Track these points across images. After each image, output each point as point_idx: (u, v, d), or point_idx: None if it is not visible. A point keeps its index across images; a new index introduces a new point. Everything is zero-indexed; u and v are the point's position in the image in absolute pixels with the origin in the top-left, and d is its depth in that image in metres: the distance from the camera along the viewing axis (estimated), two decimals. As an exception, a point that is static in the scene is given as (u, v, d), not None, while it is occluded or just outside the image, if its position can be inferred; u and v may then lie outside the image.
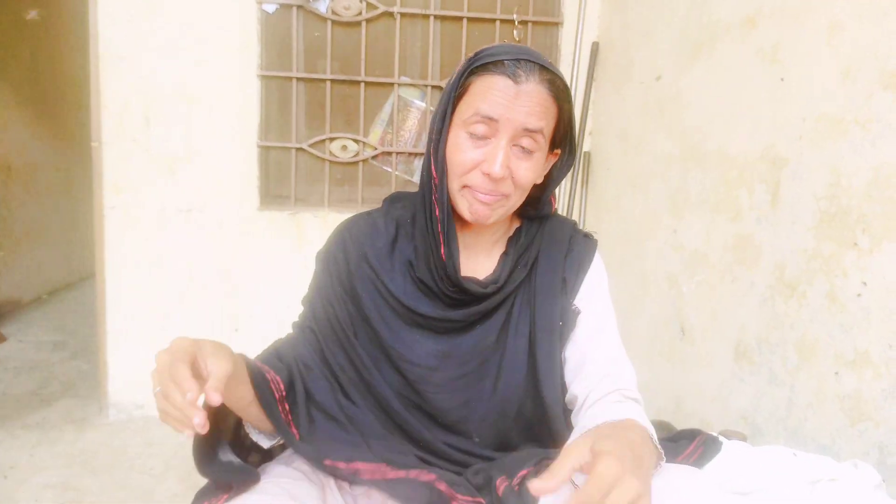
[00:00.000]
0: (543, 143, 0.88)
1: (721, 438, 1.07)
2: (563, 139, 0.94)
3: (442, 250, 0.90)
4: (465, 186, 0.88)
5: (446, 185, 0.90)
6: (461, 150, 0.87)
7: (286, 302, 2.57)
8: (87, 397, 2.72)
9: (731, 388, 1.69)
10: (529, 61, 0.85)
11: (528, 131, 0.85)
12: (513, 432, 0.97)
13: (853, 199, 1.31)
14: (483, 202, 0.88)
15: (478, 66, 0.86)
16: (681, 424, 1.82)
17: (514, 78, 0.84)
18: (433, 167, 0.90)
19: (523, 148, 0.86)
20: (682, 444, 1.02)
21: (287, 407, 0.88)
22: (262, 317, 2.57)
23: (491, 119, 0.84)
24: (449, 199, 0.91)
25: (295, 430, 0.88)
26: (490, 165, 0.84)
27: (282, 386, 0.88)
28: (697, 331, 1.86)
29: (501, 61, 0.85)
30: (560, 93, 0.87)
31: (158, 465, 2.20)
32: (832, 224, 1.37)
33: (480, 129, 0.85)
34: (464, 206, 0.90)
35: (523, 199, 0.93)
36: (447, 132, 0.89)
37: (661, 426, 1.42)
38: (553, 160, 0.96)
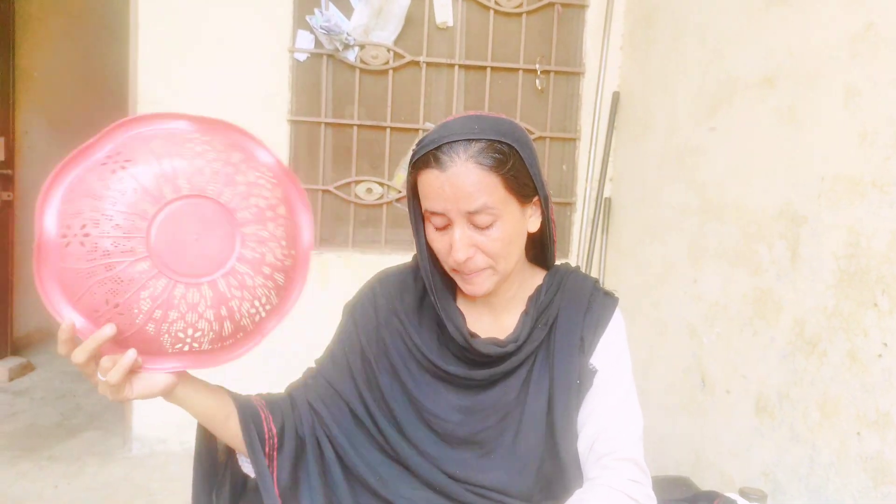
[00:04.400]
0: (499, 209, 0.86)
1: (740, 500, 1.07)
2: (532, 187, 0.92)
3: (448, 330, 0.95)
4: (452, 269, 0.93)
5: (430, 266, 0.96)
6: (433, 241, 0.92)
7: (309, 341, 2.60)
8: (111, 430, 2.77)
9: (752, 443, 1.68)
10: (451, 142, 0.84)
11: (472, 213, 0.85)
12: (533, 489, 0.98)
13: (872, 260, 1.33)
14: (469, 280, 0.92)
15: (415, 161, 0.89)
16: (700, 478, 1.81)
17: (439, 167, 0.84)
18: (418, 251, 0.96)
19: (481, 224, 0.87)
20: (700, 506, 1.03)
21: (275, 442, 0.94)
22: (283, 355, 2.61)
23: (437, 213, 0.87)
24: (441, 277, 0.98)
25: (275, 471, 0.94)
26: (454, 253, 0.88)
27: (273, 424, 0.94)
28: (718, 383, 1.86)
29: (427, 153, 0.86)
30: (494, 160, 0.85)
31: (178, 503, 2.22)
32: (852, 283, 1.38)
33: (437, 221, 0.89)
34: (459, 284, 0.95)
35: (512, 259, 0.93)
36: (422, 221, 0.94)
37: (679, 482, 1.42)
38: (538, 206, 0.95)
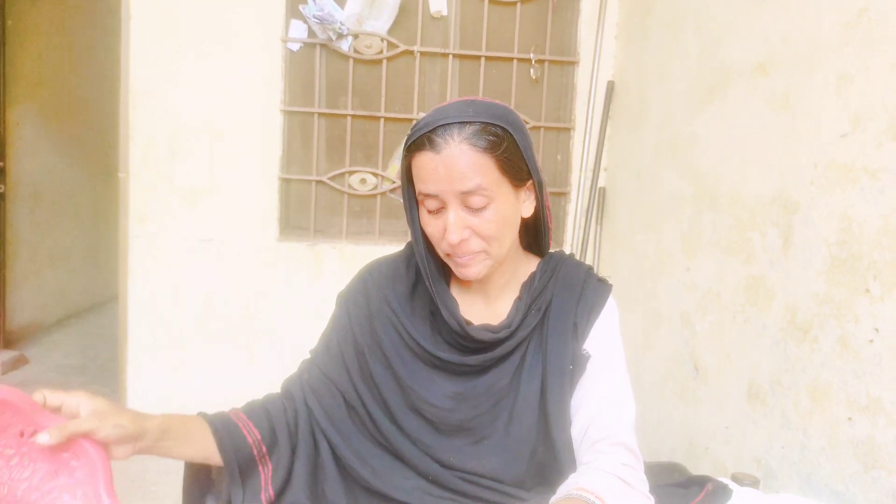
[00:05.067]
0: (493, 191, 0.87)
1: (732, 485, 1.08)
2: (526, 171, 0.92)
3: (443, 314, 0.95)
4: (446, 254, 0.93)
5: (424, 252, 0.96)
6: (427, 225, 0.92)
7: (303, 330, 2.61)
8: (105, 422, 2.77)
9: (744, 430, 1.69)
10: (445, 125, 0.85)
11: (466, 193, 0.86)
12: (526, 473, 0.99)
13: (864, 246, 1.33)
14: (463, 264, 0.92)
15: (409, 144, 0.89)
16: (693, 464, 1.82)
17: (433, 149, 0.85)
18: (412, 236, 0.96)
19: (475, 206, 0.87)
20: (693, 490, 1.04)
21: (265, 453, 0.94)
22: (278, 345, 2.61)
23: (431, 195, 0.88)
24: (435, 264, 0.97)
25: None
26: (448, 236, 0.88)
27: (262, 445, 0.94)
28: (711, 370, 1.87)
29: (422, 136, 0.87)
30: (490, 141, 0.86)
31: (173, 494, 2.22)
32: (843, 269, 1.38)
33: (431, 204, 0.89)
34: (453, 269, 0.95)
35: (506, 243, 0.93)
36: (416, 206, 0.94)
37: (673, 468, 1.43)
38: (531, 191, 0.96)
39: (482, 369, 0.98)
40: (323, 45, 2.56)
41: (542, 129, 2.74)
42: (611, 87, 2.64)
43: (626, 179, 2.51)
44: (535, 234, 1.03)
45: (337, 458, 0.99)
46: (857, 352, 1.35)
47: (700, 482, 1.06)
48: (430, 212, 0.90)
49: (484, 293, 1.01)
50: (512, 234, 0.94)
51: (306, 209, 2.67)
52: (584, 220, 2.69)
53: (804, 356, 1.49)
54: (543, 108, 2.73)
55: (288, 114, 2.58)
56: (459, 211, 0.87)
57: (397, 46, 2.59)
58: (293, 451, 0.97)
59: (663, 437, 2.09)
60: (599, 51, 2.63)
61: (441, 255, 0.95)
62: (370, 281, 1.04)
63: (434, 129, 0.86)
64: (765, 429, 1.61)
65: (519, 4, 2.65)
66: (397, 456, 0.99)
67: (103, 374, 3.39)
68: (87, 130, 4.65)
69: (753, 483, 1.31)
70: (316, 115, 2.61)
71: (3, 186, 3.51)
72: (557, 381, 0.95)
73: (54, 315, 4.34)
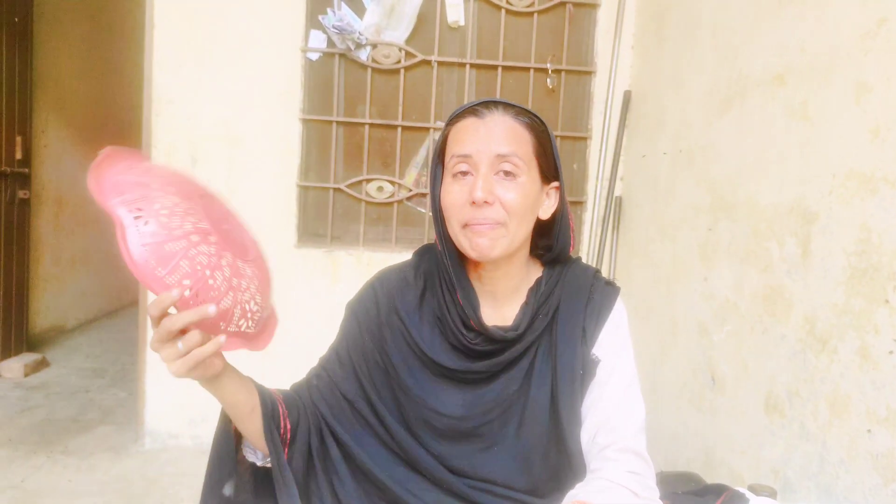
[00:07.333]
0: (524, 166, 0.90)
1: (748, 494, 1.07)
2: (554, 168, 0.96)
3: (458, 295, 0.95)
4: (463, 226, 0.91)
5: (445, 232, 0.95)
6: (450, 193, 0.92)
7: (319, 337, 2.62)
8: (123, 425, 2.80)
9: (762, 441, 1.67)
10: (491, 101, 0.93)
11: (502, 157, 0.89)
12: (539, 478, 0.99)
13: (884, 257, 1.32)
14: (480, 233, 0.90)
15: (453, 117, 0.95)
16: (710, 475, 1.80)
17: (477, 115, 0.91)
18: (433, 216, 0.97)
19: (506, 173, 0.90)
20: (709, 498, 1.03)
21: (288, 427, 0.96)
22: (294, 349, 2.63)
23: (465, 156, 0.90)
24: (456, 249, 0.95)
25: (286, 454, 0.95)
26: (473, 192, 0.88)
27: (287, 421, 0.96)
28: (728, 380, 1.85)
29: (466, 108, 0.93)
30: (531, 121, 0.93)
31: (190, 497, 2.24)
32: (863, 280, 1.37)
33: (461, 167, 0.91)
34: (466, 245, 0.92)
35: (523, 228, 0.93)
36: (440, 186, 0.95)
37: (689, 478, 1.42)
38: (555, 194, 0.98)
39: (491, 376, 0.98)
40: (341, 55, 2.60)
41: (558, 139, 2.74)
42: (627, 97, 2.64)
43: (643, 188, 2.51)
44: (545, 242, 1.03)
45: (350, 463, 0.99)
46: (876, 363, 1.33)
47: (716, 491, 1.06)
48: (455, 175, 0.91)
49: (493, 297, 1.01)
50: (529, 222, 0.94)
51: (324, 216, 2.69)
52: (600, 229, 2.69)
53: (823, 367, 1.48)
54: (560, 117, 2.74)
55: (306, 122, 2.62)
56: (490, 176, 0.90)
57: (415, 56, 2.62)
58: (308, 452, 0.99)
59: (680, 448, 2.08)
60: (616, 60, 2.64)
61: (457, 228, 0.92)
62: (380, 290, 1.04)
63: (482, 102, 0.92)
64: (783, 440, 1.59)
65: (536, 14, 2.66)
66: (412, 466, 0.99)
67: (123, 377, 3.43)
68: (112, 138, 4.74)
69: (771, 494, 1.30)
70: (334, 124, 2.64)
71: (27, 192, 3.58)
72: (568, 386, 0.95)
73: (75, 319, 4.41)
